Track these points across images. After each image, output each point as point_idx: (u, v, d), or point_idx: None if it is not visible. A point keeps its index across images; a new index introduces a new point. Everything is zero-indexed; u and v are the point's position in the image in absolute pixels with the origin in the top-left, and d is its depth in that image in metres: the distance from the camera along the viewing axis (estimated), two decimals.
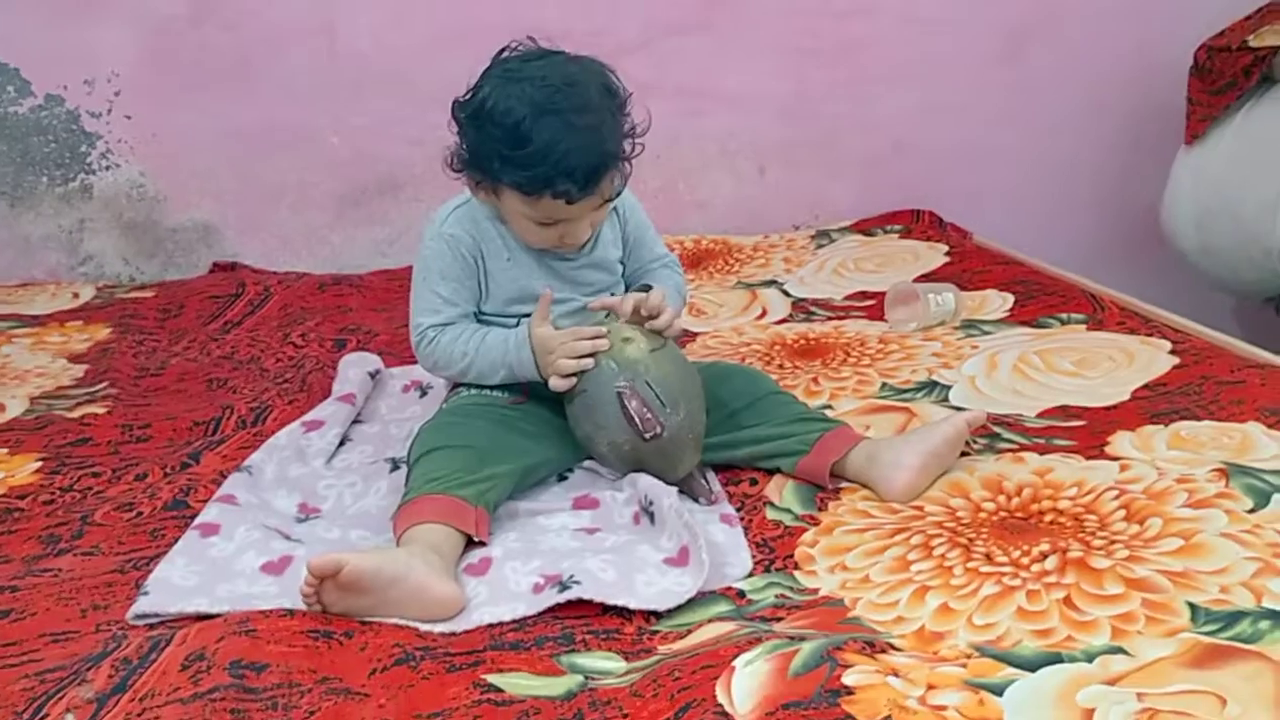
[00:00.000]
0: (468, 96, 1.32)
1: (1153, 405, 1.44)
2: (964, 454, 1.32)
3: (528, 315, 1.36)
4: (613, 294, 1.43)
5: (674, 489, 1.26)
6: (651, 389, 1.28)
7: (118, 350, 1.93)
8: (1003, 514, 1.20)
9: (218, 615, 1.06)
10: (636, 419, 1.27)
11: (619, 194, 1.35)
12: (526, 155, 1.25)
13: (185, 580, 1.12)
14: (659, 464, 1.30)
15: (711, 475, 1.35)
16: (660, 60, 2.37)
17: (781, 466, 1.33)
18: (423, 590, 1.07)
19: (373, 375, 1.69)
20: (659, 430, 1.27)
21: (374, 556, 1.08)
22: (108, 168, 2.35)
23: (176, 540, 1.22)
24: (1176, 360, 1.58)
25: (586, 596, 1.07)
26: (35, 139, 2.32)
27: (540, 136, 1.24)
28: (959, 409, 1.48)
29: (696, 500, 1.30)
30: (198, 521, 1.25)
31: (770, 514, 1.26)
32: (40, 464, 1.48)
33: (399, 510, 1.21)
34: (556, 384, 1.30)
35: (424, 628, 1.06)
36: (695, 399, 1.33)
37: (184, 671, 0.95)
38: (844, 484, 1.30)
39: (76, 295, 2.25)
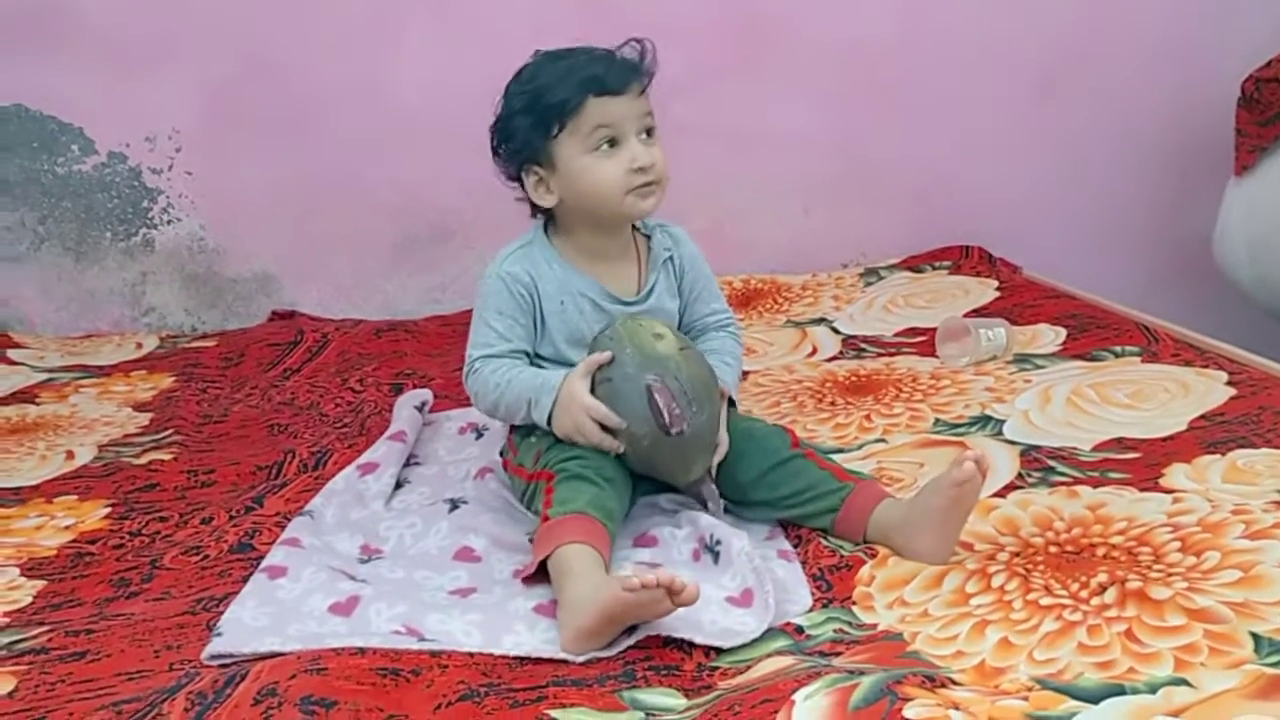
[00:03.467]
0: (494, 121, 1.40)
1: (1209, 435, 1.44)
2: (1017, 487, 1.30)
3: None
4: None
5: (744, 532, 1.26)
6: (680, 384, 1.29)
7: (181, 398, 1.98)
8: (1053, 549, 1.20)
9: (289, 653, 1.08)
10: (665, 412, 1.27)
11: (651, 74, 1.38)
12: (552, 77, 1.34)
13: (256, 621, 1.15)
14: (672, 464, 1.31)
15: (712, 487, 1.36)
16: (705, 102, 2.41)
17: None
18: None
19: (420, 408, 1.72)
20: (684, 427, 1.28)
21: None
22: (169, 222, 2.42)
23: (243, 582, 1.25)
24: (1233, 391, 1.57)
25: (654, 632, 1.08)
26: (99, 195, 2.39)
27: (554, 63, 1.36)
28: (1013, 443, 1.49)
29: (705, 505, 1.32)
30: (265, 564, 1.28)
31: (825, 543, 1.27)
32: (109, 509, 1.52)
33: (559, 519, 1.21)
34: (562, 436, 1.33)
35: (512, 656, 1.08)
36: (716, 403, 1.34)
37: (256, 706, 0.97)
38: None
39: (140, 345, 2.31)
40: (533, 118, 1.35)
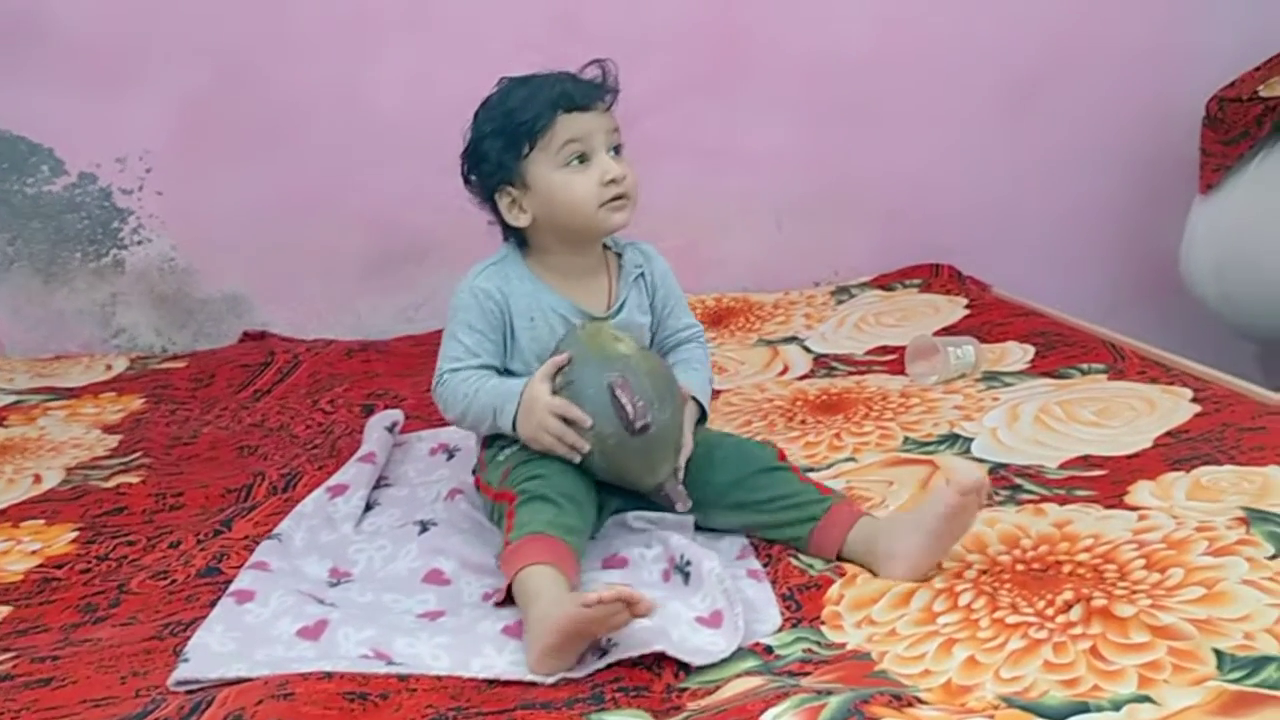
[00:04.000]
0: (464, 148, 1.42)
1: (1174, 452, 1.45)
2: (985, 505, 1.30)
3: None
4: None
5: (714, 553, 1.27)
6: (641, 381, 1.30)
7: (151, 420, 1.97)
8: (1019, 566, 1.21)
9: (256, 679, 1.08)
10: (629, 407, 1.27)
11: (616, 91, 1.41)
12: (520, 99, 1.37)
13: (223, 646, 1.14)
14: (638, 465, 1.32)
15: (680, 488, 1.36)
16: (677, 119, 2.42)
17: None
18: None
19: (391, 429, 1.72)
20: (648, 421, 1.28)
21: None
22: (139, 243, 2.41)
23: (211, 606, 1.24)
24: (1198, 408, 1.59)
25: (624, 655, 1.08)
26: (69, 216, 2.37)
27: (521, 87, 1.39)
28: (980, 460, 1.50)
29: (673, 507, 1.32)
30: (233, 589, 1.27)
31: (795, 562, 1.27)
32: (76, 534, 1.51)
33: (519, 543, 1.22)
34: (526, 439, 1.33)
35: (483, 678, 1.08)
36: (679, 403, 1.35)
37: None
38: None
39: (110, 367, 2.29)
40: (504, 139, 1.37)
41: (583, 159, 1.37)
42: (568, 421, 1.30)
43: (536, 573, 1.17)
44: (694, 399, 1.44)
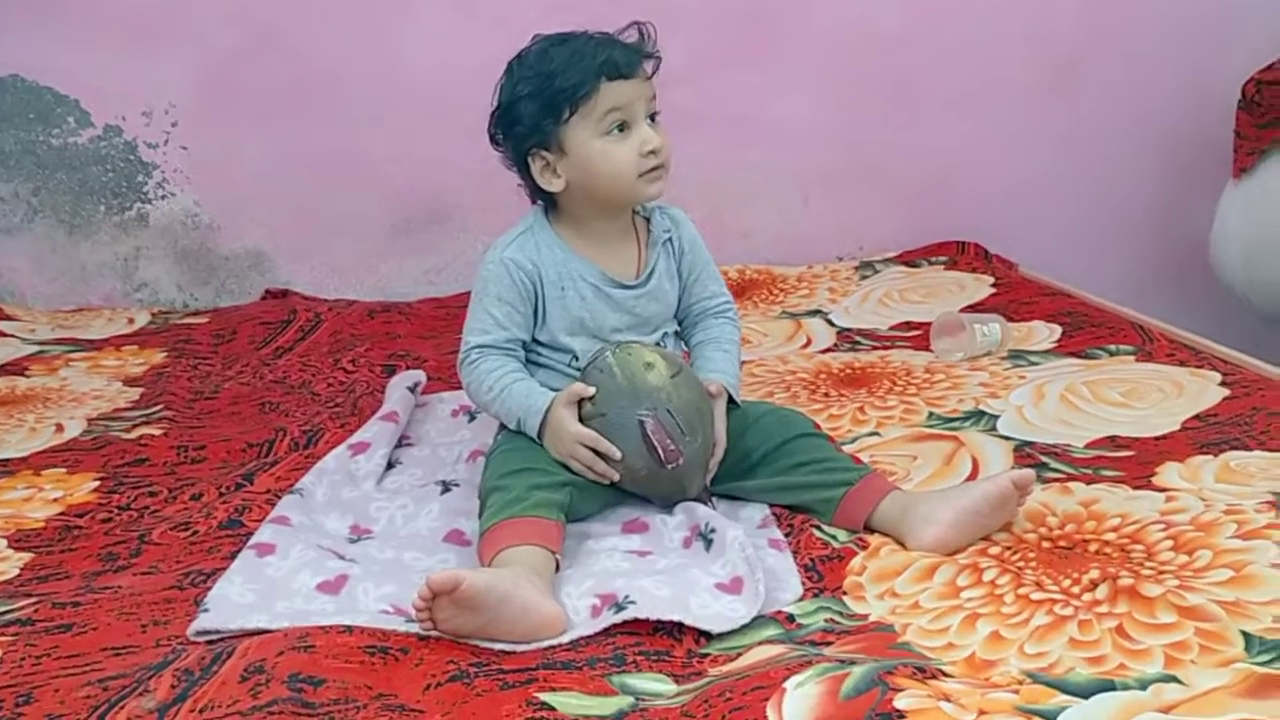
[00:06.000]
0: (495, 107, 1.39)
1: (1202, 435, 1.44)
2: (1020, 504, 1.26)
3: (582, 349, 1.38)
4: (665, 333, 1.46)
5: (737, 522, 1.26)
6: (673, 417, 1.28)
7: (172, 374, 1.97)
8: (1045, 544, 1.20)
9: (277, 631, 1.08)
10: (659, 449, 1.27)
11: (659, 59, 1.38)
12: (562, 61, 1.32)
13: (243, 598, 1.14)
14: (670, 487, 1.32)
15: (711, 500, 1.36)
16: (706, 91, 2.40)
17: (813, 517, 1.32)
18: (530, 609, 1.08)
19: (412, 389, 1.71)
20: (679, 460, 1.28)
21: (487, 574, 1.09)
22: (163, 197, 2.40)
23: (232, 558, 1.24)
24: (1227, 392, 1.57)
25: (642, 615, 1.08)
26: (94, 168, 2.37)
27: (561, 47, 1.34)
28: (1006, 438, 1.49)
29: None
30: (253, 541, 1.27)
31: (818, 534, 1.27)
32: (98, 483, 1.51)
33: (483, 536, 1.22)
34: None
35: (498, 646, 1.07)
36: (708, 422, 1.34)
37: (243, 683, 0.97)
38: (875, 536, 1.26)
39: (132, 320, 2.29)
40: (541, 102, 1.34)
41: (622, 127, 1.34)
42: (598, 451, 1.30)
43: (506, 558, 1.17)
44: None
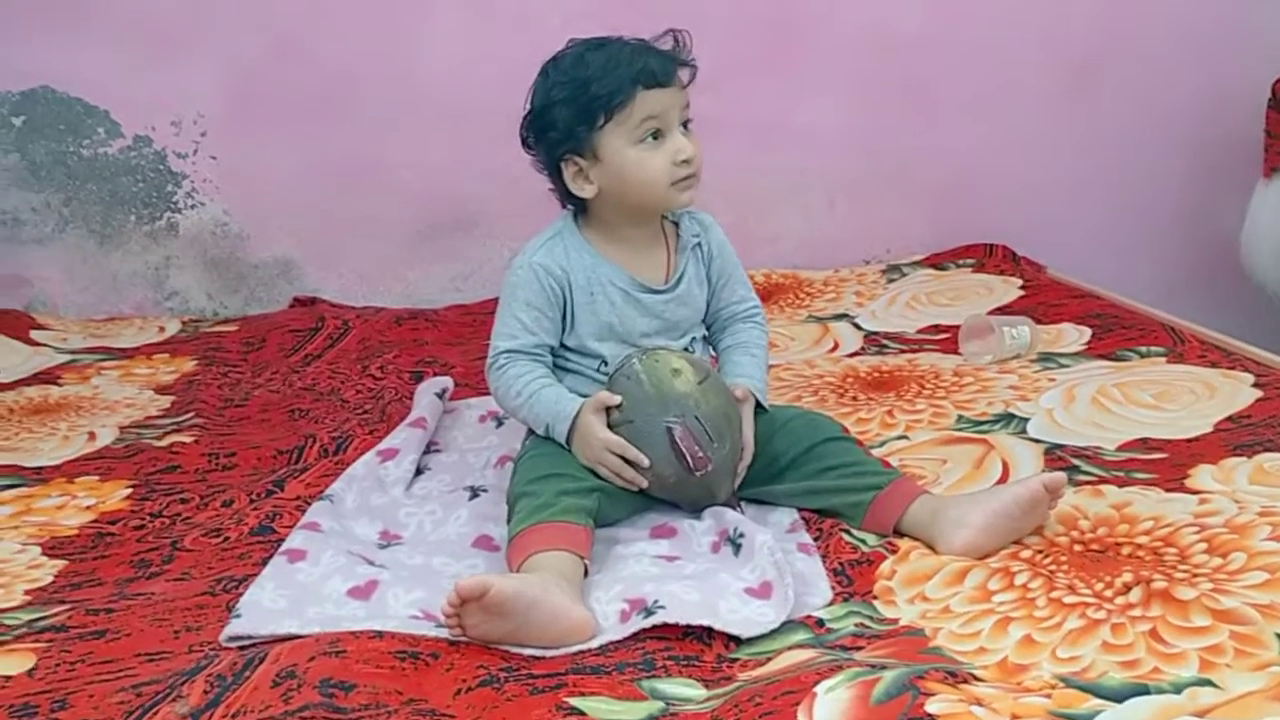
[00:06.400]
0: (527, 110, 1.38)
1: (1235, 437, 1.42)
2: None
3: (610, 354, 1.38)
4: (693, 338, 1.46)
5: (766, 527, 1.26)
6: (701, 424, 1.28)
7: (203, 382, 1.98)
8: (1077, 547, 1.19)
9: (308, 636, 1.08)
10: (688, 457, 1.27)
11: (695, 67, 1.38)
12: (598, 68, 1.32)
13: (275, 603, 1.15)
14: (699, 494, 1.32)
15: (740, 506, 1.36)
16: (731, 98, 2.39)
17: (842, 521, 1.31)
18: (559, 614, 1.08)
19: (440, 395, 1.72)
20: (708, 468, 1.28)
21: (515, 580, 1.09)
22: (193, 206, 2.42)
23: (263, 564, 1.25)
24: (1260, 393, 1.56)
25: (671, 620, 1.08)
26: (124, 179, 2.39)
27: (597, 52, 1.34)
28: (1037, 441, 1.48)
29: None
30: (284, 548, 1.28)
31: (847, 538, 1.26)
32: (130, 491, 1.52)
33: (512, 541, 1.23)
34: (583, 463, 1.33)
35: (528, 651, 1.07)
36: (736, 427, 1.33)
37: (275, 689, 0.97)
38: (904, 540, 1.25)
39: (162, 329, 2.31)
40: (576, 108, 1.33)
41: (656, 135, 1.34)
42: (626, 459, 1.30)
43: (535, 564, 1.17)
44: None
